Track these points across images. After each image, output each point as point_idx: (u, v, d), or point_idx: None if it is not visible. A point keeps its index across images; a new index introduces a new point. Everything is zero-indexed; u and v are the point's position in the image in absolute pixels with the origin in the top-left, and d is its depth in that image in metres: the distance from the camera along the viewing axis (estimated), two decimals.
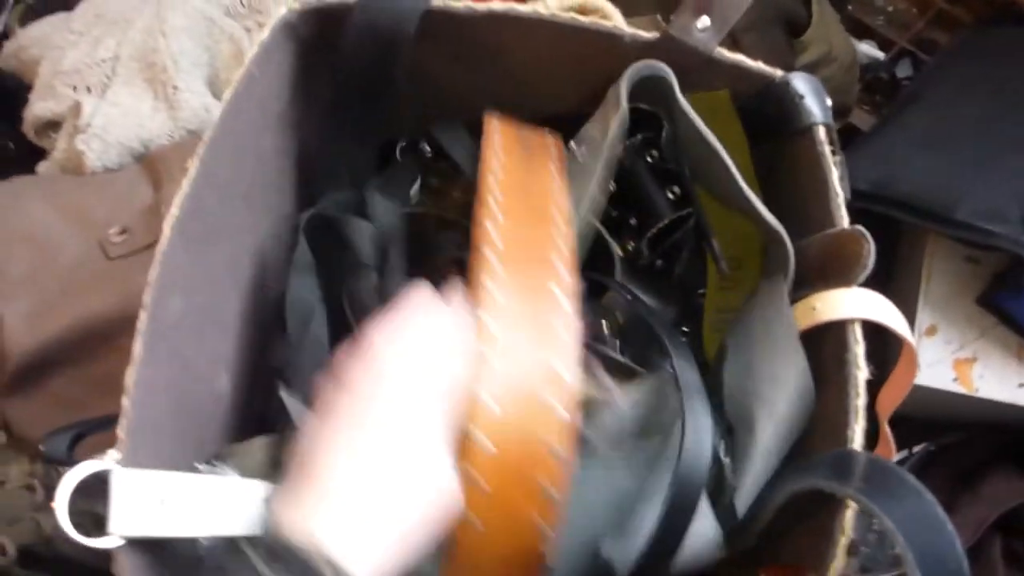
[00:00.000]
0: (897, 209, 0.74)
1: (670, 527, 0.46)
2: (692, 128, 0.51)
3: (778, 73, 0.53)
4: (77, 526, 0.41)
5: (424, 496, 0.38)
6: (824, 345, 0.49)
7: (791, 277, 0.51)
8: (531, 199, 0.48)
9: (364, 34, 0.53)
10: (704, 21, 0.52)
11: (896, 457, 0.79)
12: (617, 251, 0.62)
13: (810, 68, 0.86)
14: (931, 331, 0.74)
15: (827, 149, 0.52)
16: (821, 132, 0.52)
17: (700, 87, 0.55)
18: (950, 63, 0.89)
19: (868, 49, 0.95)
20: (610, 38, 0.54)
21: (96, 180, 0.83)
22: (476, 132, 0.55)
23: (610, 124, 0.51)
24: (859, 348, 0.47)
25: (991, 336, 0.74)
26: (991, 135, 0.76)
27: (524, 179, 0.50)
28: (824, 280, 0.49)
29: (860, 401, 0.46)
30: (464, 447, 0.39)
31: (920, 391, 0.74)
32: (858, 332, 0.47)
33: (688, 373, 0.49)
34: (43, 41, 0.90)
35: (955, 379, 0.73)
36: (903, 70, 0.94)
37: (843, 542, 0.43)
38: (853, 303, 0.47)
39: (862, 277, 0.48)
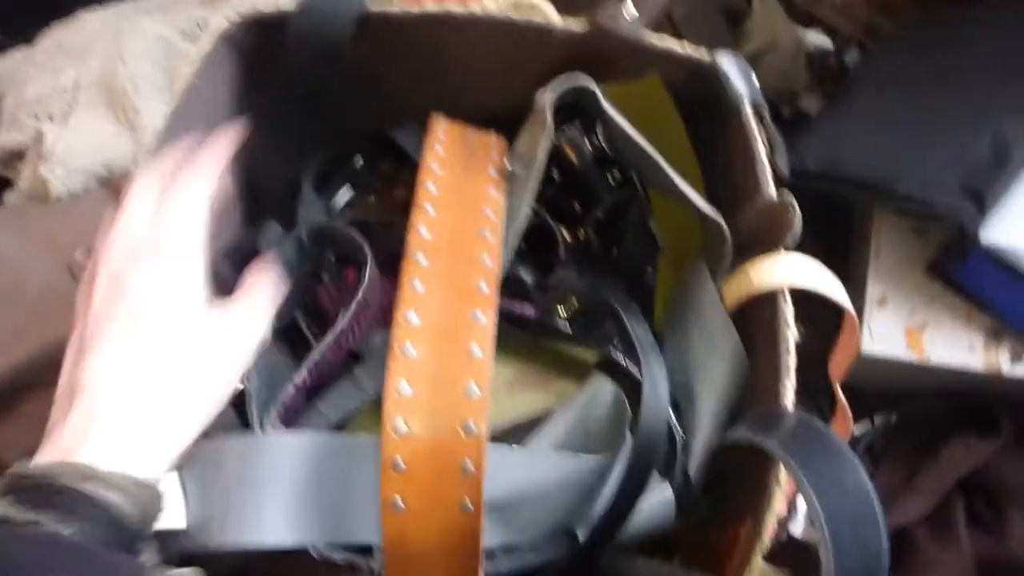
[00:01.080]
0: (843, 186, 0.76)
1: (630, 485, 0.48)
2: (622, 132, 0.53)
3: (705, 55, 0.55)
4: None
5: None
6: (759, 312, 0.51)
7: (728, 258, 0.53)
8: (465, 202, 0.50)
9: (301, 41, 0.55)
10: (631, 10, 0.54)
11: (858, 428, 0.81)
12: (564, 237, 0.64)
13: (753, 57, 0.88)
14: (882, 301, 0.76)
15: (754, 123, 0.54)
16: (748, 108, 0.54)
17: (633, 74, 0.56)
18: (894, 46, 0.91)
19: (816, 38, 0.97)
20: (542, 32, 0.56)
21: (62, 206, 0.84)
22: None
23: (538, 146, 0.52)
24: (787, 308, 0.48)
25: (940, 304, 0.75)
26: (931, 111, 0.78)
27: (462, 181, 0.51)
28: (752, 249, 0.51)
29: (790, 359, 0.47)
30: (382, 430, 0.40)
31: (875, 361, 0.75)
32: (787, 294, 0.49)
33: (641, 331, 0.51)
34: (7, 77, 0.92)
35: (907, 347, 0.74)
36: (851, 57, 0.96)
37: (777, 493, 0.45)
38: (785, 270, 0.49)
39: (792, 243, 0.49)
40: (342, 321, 0.50)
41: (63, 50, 0.92)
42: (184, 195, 0.44)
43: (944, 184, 0.71)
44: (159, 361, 0.39)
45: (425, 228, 0.46)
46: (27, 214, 0.84)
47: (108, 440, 0.36)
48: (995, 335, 0.74)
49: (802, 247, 0.83)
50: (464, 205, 0.49)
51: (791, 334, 0.48)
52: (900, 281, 0.76)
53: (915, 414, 0.80)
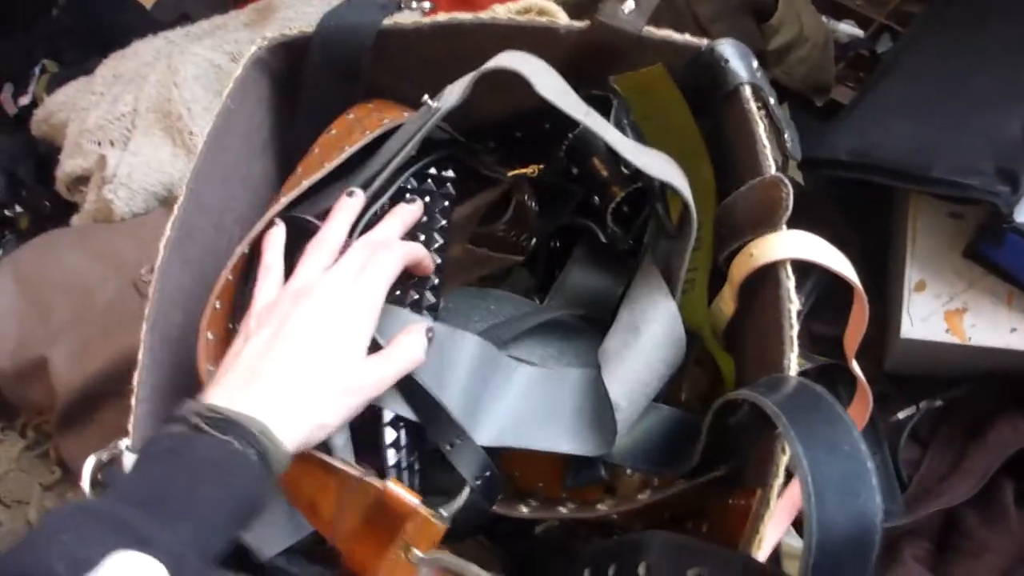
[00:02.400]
0: (877, 174, 0.76)
1: None
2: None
3: (704, 42, 0.57)
4: None
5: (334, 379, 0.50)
6: (762, 290, 0.52)
7: (694, 228, 0.56)
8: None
9: (324, 58, 0.58)
10: (629, 4, 0.56)
11: (904, 413, 0.81)
12: (596, 231, 0.66)
13: (783, 50, 0.89)
14: (920, 287, 0.76)
15: (754, 106, 0.55)
16: (747, 91, 0.56)
17: (636, 66, 0.59)
18: (922, 31, 0.90)
19: (848, 28, 0.98)
20: (547, 32, 0.58)
21: (126, 225, 0.89)
22: None
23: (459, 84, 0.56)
24: (790, 283, 0.50)
25: (980, 286, 0.75)
26: (962, 94, 0.77)
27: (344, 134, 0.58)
28: (753, 228, 0.52)
29: (793, 332, 0.49)
30: None
31: (915, 345, 0.76)
32: (789, 269, 0.50)
33: None
34: (68, 105, 0.98)
35: (947, 330, 0.74)
36: (883, 45, 0.96)
37: (784, 460, 0.46)
38: (786, 244, 0.51)
39: (785, 218, 0.51)
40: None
41: (120, 78, 0.97)
42: (385, 270, 0.54)
43: (977, 167, 0.71)
44: (318, 377, 0.49)
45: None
46: (93, 234, 0.89)
47: (273, 415, 0.47)
48: None
49: (840, 234, 0.84)
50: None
51: (793, 307, 0.50)
52: (938, 265, 0.76)
53: (961, 398, 0.80)
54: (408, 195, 0.58)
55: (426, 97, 0.56)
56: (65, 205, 0.96)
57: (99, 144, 0.92)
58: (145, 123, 0.92)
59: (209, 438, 0.44)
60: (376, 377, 0.51)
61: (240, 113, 0.59)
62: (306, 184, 0.55)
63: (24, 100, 1.04)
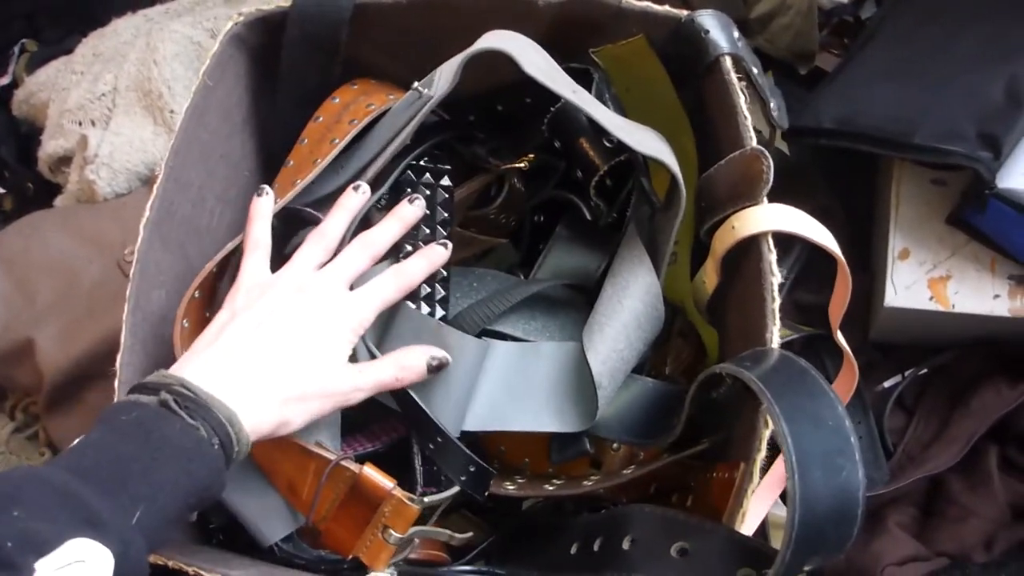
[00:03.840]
0: (861, 142, 0.76)
1: None
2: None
3: (683, 13, 0.57)
4: None
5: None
6: (745, 262, 0.53)
7: (682, 203, 0.55)
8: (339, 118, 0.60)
9: (302, 33, 0.58)
10: None
11: (890, 382, 0.81)
12: (580, 205, 0.66)
13: (766, 18, 0.88)
14: (904, 254, 0.76)
15: (734, 77, 0.55)
16: (727, 62, 0.55)
17: (616, 38, 0.58)
18: None
19: None
20: (526, 5, 0.58)
21: (109, 206, 0.89)
22: None
23: (450, 71, 0.56)
24: (772, 256, 0.50)
25: (963, 253, 0.75)
26: (945, 59, 0.77)
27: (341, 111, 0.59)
28: (734, 201, 0.52)
29: (775, 305, 0.49)
30: None
31: (900, 313, 0.76)
32: (770, 242, 0.51)
33: None
34: (49, 85, 0.97)
35: (931, 298, 0.75)
36: (867, 11, 0.95)
37: (765, 434, 0.46)
38: (767, 217, 0.51)
39: (765, 191, 0.51)
40: None
41: (99, 57, 0.96)
42: (375, 298, 0.54)
43: (959, 133, 0.71)
44: (295, 375, 0.49)
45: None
46: (76, 215, 0.88)
47: (243, 402, 0.47)
48: (1020, 281, 0.74)
49: (824, 204, 0.84)
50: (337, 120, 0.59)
51: (775, 280, 0.50)
52: (921, 233, 0.76)
53: (945, 365, 0.80)
54: (410, 193, 0.58)
55: (416, 84, 0.56)
56: (48, 186, 0.96)
57: (80, 124, 0.92)
58: (126, 102, 0.91)
59: (178, 420, 0.44)
60: (350, 386, 0.51)
61: (218, 90, 0.58)
62: (301, 185, 0.56)
63: (4, 80, 1.03)
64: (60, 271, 0.85)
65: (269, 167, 0.66)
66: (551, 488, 0.57)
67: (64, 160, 0.93)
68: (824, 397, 0.43)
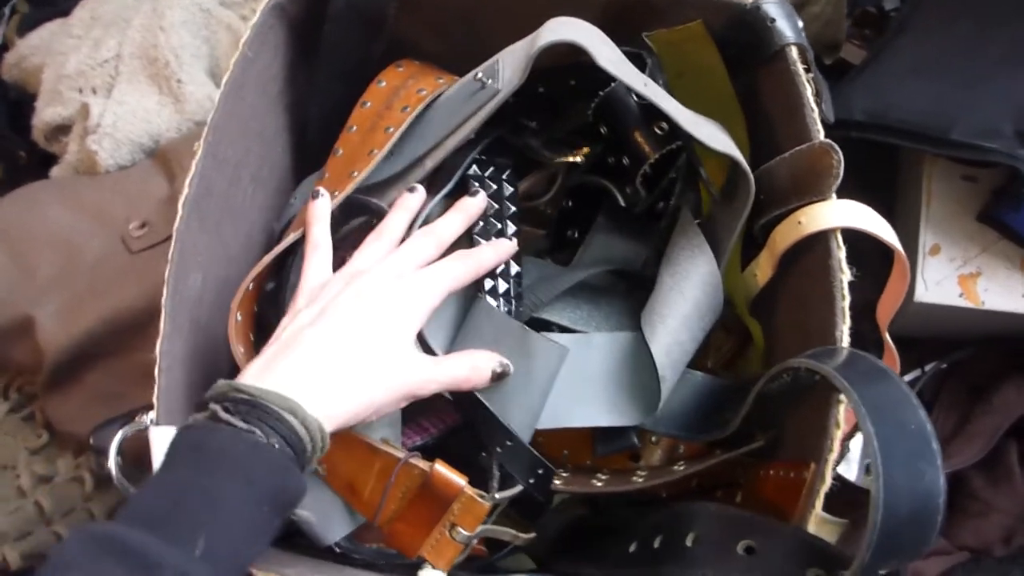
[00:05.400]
0: (894, 136, 0.75)
1: None
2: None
3: (748, 0, 0.55)
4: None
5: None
6: (809, 256, 0.52)
7: (750, 199, 0.54)
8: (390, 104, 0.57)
9: (346, 5, 0.55)
10: None
11: (910, 376, 0.81)
12: (614, 192, 0.64)
13: (797, 6, 0.87)
14: (935, 250, 0.76)
15: (800, 67, 0.53)
16: (794, 52, 0.54)
17: (673, 23, 0.57)
18: None
19: None
20: None
21: (111, 178, 0.85)
22: None
23: (518, 64, 0.53)
24: (841, 253, 0.49)
25: (993, 250, 0.75)
26: (980, 55, 0.76)
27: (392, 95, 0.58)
28: (798, 195, 0.51)
29: (845, 303, 0.48)
30: None
31: (928, 308, 0.75)
32: (839, 239, 0.50)
33: None
34: (43, 48, 0.92)
35: (961, 294, 0.74)
36: (891, 2, 0.94)
37: (838, 434, 0.46)
38: (836, 213, 0.50)
39: (835, 187, 0.50)
40: None
41: (99, 20, 0.92)
42: (444, 277, 0.52)
43: (997, 130, 0.71)
44: (363, 355, 0.47)
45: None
46: (76, 187, 0.85)
47: (308, 388, 0.45)
48: None
49: (847, 197, 0.84)
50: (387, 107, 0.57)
51: (845, 279, 0.49)
52: (952, 229, 0.76)
53: (966, 361, 0.81)
54: (473, 185, 0.57)
55: (479, 74, 0.54)
56: (42, 156, 0.91)
57: (80, 91, 0.88)
58: (130, 70, 0.87)
59: (229, 430, 0.41)
60: (425, 377, 0.49)
61: (257, 63, 0.56)
62: (360, 177, 0.54)
63: None
64: (60, 245, 0.81)
65: (302, 146, 0.63)
66: (599, 484, 0.55)
67: (62, 129, 0.89)
68: (907, 401, 0.42)
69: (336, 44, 0.57)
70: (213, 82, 0.88)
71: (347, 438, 0.48)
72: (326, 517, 0.50)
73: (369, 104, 0.57)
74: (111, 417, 0.73)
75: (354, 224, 0.54)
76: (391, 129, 0.54)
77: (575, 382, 0.55)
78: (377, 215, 0.55)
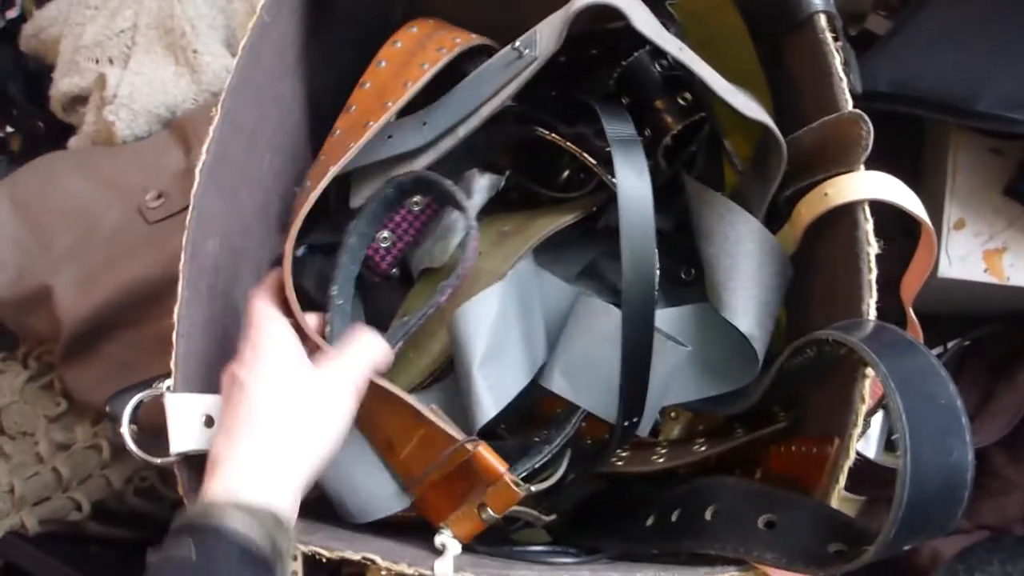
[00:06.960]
0: (920, 107, 0.74)
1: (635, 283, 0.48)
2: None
3: None
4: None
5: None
6: (835, 229, 0.51)
7: (780, 170, 0.53)
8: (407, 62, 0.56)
9: None
10: None
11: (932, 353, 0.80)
12: None
13: None
14: (960, 224, 0.74)
15: (829, 36, 0.52)
16: (822, 20, 0.53)
17: None
18: None
19: None
20: None
21: (128, 149, 0.85)
22: None
23: (551, 32, 0.52)
24: (868, 225, 0.48)
25: (1020, 225, 0.74)
26: (1007, 25, 0.75)
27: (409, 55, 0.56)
28: (825, 166, 0.50)
29: (872, 276, 0.48)
30: None
31: (952, 284, 0.74)
32: (867, 211, 0.49)
33: (618, 127, 0.52)
34: (61, 19, 0.92)
35: (986, 270, 0.73)
36: None
37: (862, 409, 0.45)
38: (864, 185, 0.49)
39: (863, 158, 0.49)
40: None
41: None
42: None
43: None
44: (278, 424, 0.45)
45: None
46: (94, 158, 0.84)
47: (250, 483, 0.43)
48: None
49: (872, 169, 0.82)
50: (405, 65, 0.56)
51: (872, 251, 0.48)
52: (978, 203, 0.75)
53: (988, 337, 0.79)
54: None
55: (517, 43, 0.53)
56: (60, 126, 0.91)
57: (97, 62, 0.87)
58: (146, 40, 0.87)
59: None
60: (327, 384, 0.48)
61: (274, 28, 0.55)
62: (376, 127, 0.52)
63: (12, 13, 0.98)
64: (78, 216, 0.81)
65: (318, 115, 0.63)
66: (620, 464, 0.55)
67: (79, 99, 0.89)
68: (937, 375, 0.42)
69: (354, 7, 0.57)
70: (229, 53, 0.87)
71: (390, 398, 0.48)
72: (369, 499, 0.51)
73: (384, 63, 0.57)
74: (127, 385, 0.73)
75: (415, 208, 0.53)
76: (410, 84, 0.54)
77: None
78: (442, 197, 0.55)
